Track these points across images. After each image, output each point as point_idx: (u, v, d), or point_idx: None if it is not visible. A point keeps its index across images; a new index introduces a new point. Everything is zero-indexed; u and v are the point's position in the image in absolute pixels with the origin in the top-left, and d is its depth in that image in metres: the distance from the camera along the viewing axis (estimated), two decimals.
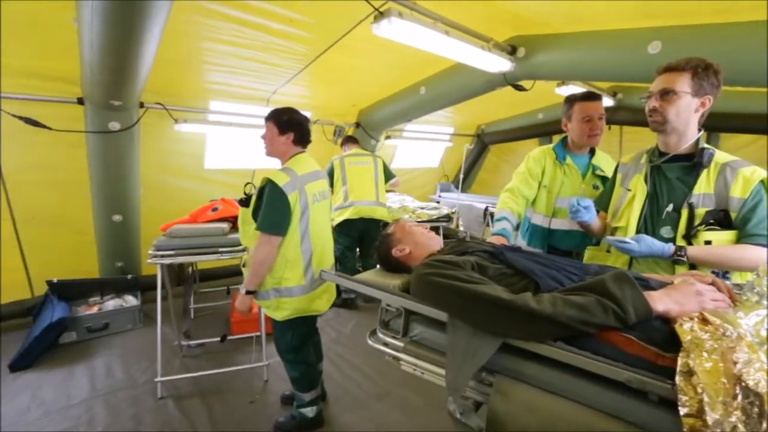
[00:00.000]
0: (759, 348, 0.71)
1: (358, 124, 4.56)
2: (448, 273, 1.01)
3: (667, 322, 0.82)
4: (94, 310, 3.13)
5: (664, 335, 0.79)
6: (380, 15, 1.92)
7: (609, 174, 1.83)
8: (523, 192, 1.96)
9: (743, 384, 0.65)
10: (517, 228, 2.03)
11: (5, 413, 2.14)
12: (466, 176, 6.39)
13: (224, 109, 3.56)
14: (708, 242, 1.23)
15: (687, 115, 1.27)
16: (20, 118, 2.59)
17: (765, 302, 0.86)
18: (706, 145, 1.31)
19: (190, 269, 3.16)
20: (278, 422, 2.05)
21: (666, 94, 1.26)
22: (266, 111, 1.88)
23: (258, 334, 2.62)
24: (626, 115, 4.47)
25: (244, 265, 1.94)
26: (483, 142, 6.38)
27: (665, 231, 1.32)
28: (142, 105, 2.93)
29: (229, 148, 3.92)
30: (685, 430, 0.65)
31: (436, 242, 1.38)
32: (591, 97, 1.87)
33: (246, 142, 3.92)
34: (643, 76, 2.35)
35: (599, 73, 2.69)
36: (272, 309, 1.84)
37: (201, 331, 3.10)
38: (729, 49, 2.06)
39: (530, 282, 1.00)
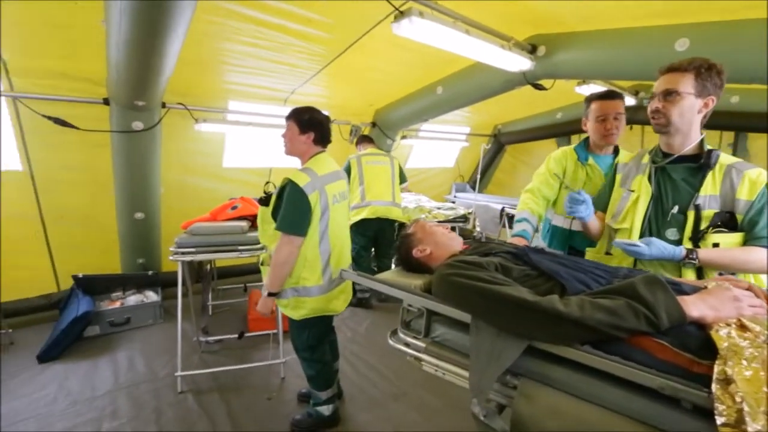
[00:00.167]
0: None
1: (374, 124, 4.57)
2: (471, 274, 1.00)
3: (701, 327, 0.80)
4: (117, 305, 3.22)
5: (699, 341, 0.77)
6: (400, 14, 1.91)
7: None
8: (544, 193, 1.93)
9: None
10: (536, 230, 2.00)
11: (34, 402, 2.22)
12: (482, 176, 6.34)
13: (243, 108, 3.61)
14: (716, 245, 1.22)
15: (690, 116, 1.25)
16: (50, 118, 2.68)
17: None
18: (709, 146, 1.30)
19: (208, 266, 3.22)
20: (295, 420, 2.07)
21: (669, 94, 1.24)
22: (284, 111, 1.90)
23: (275, 331, 2.65)
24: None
25: (262, 264, 1.96)
26: (499, 142, 6.31)
27: (671, 233, 1.29)
28: (164, 105, 3.00)
29: (247, 147, 3.98)
30: None
31: (457, 243, 1.37)
32: (607, 95, 1.83)
33: (263, 142, 3.98)
34: None
35: (623, 72, 2.62)
36: (290, 308, 1.85)
37: (219, 328, 3.16)
38: (763, 46, 1.99)
39: (556, 284, 0.99)
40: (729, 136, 4.48)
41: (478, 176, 5.15)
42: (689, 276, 1.24)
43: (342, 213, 1.96)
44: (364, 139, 3.79)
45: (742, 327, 0.75)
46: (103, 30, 2.04)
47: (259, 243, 2.34)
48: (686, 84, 1.22)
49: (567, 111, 5.10)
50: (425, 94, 3.85)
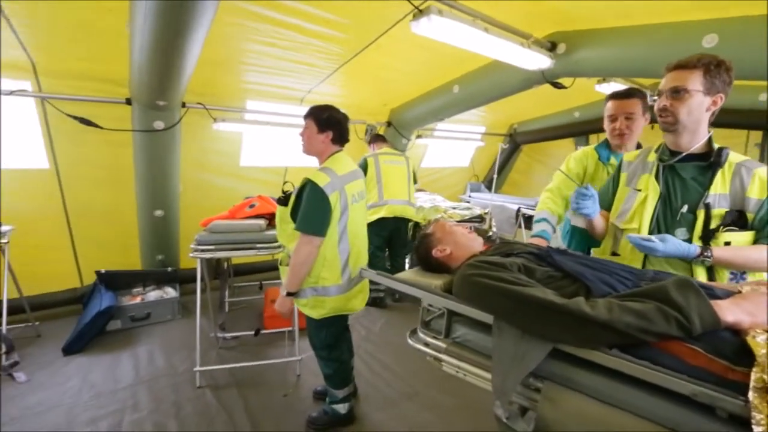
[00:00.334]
0: None
1: (389, 123, 4.56)
2: (494, 274, 0.99)
3: (736, 333, 0.77)
4: (137, 300, 3.30)
5: (734, 347, 0.74)
6: (419, 13, 1.90)
7: None
8: (564, 192, 1.91)
9: None
10: (554, 230, 1.97)
11: (61, 393, 2.29)
12: (498, 176, 6.28)
13: (260, 108, 3.65)
14: (727, 243, 1.20)
15: (699, 114, 1.22)
16: (75, 117, 2.76)
17: None
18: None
19: (225, 264, 3.27)
20: (311, 417, 2.09)
21: (677, 92, 1.21)
22: (300, 110, 1.90)
23: (290, 329, 2.68)
24: None
25: (280, 263, 1.97)
26: (515, 141, 6.24)
27: (680, 232, 1.27)
28: (183, 105, 3.05)
29: (263, 146, 4.03)
30: None
31: (478, 243, 1.36)
32: (617, 95, 1.80)
33: (279, 141, 4.01)
34: None
35: (646, 70, 2.56)
36: (309, 307, 1.85)
37: (235, 324, 3.20)
38: None
39: (581, 286, 0.97)
40: (756, 136, 4.33)
41: (495, 176, 5.09)
42: (700, 275, 1.23)
43: (360, 212, 1.96)
44: (377, 138, 3.79)
45: None
46: (127, 33, 2.10)
47: (276, 241, 2.36)
48: (695, 81, 1.19)
49: (585, 110, 5.00)
50: (441, 93, 3.83)
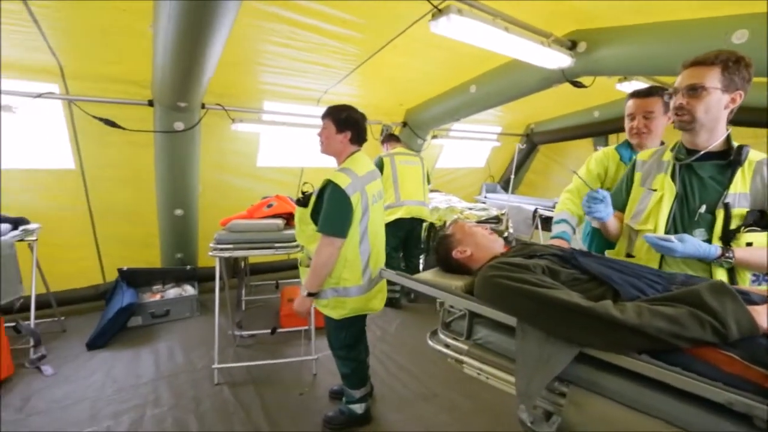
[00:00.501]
0: None
1: (405, 123, 4.56)
2: (517, 276, 0.97)
3: None
4: (157, 297, 3.37)
5: None
6: (439, 12, 1.89)
7: None
8: (584, 193, 1.87)
9: None
10: (573, 232, 1.94)
11: (85, 387, 2.35)
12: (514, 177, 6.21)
13: (277, 108, 3.69)
14: (749, 244, 1.16)
15: (717, 112, 1.18)
16: (99, 119, 2.84)
17: None
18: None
19: (242, 263, 3.32)
20: (327, 416, 2.09)
21: (694, 90, 1.17)
22: (317, 111, 1.91)
23: (306, 328, 2.69)
24: None
25: (300, 264, 1.98)
26: (532, 141, 6.15)
27: (699, 233, 1.23)
28: (203, 106, 3.11)
29: (280, 146, 4.07)
30: None
31: (499, 244, 1.34)
32: (637, 93, 1.76)
33: (296, 141, 4.05)
34: None
35: (669, 68, 2.48)
36: (330, 308, 1.85)
37: (252, 323, 3.24)
38: None
39: (608, 289, 0.95)
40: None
41: (512, 176, 5.03)
42: (719, 277, 1.19)
43: (379, 212, 1.96)
44: (390, 138, 3.78)
45: None
46: (150, 35, 2.14)
47: (294, 241, 2.38)
48: (712, 78, 1.15)
49: (605, 109, 4.89)
50: (458, 93, 3.81)
